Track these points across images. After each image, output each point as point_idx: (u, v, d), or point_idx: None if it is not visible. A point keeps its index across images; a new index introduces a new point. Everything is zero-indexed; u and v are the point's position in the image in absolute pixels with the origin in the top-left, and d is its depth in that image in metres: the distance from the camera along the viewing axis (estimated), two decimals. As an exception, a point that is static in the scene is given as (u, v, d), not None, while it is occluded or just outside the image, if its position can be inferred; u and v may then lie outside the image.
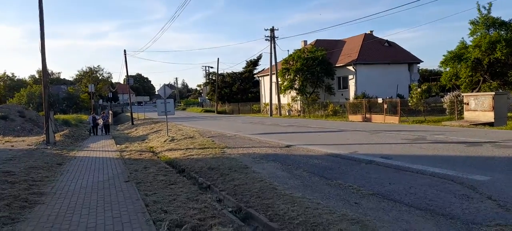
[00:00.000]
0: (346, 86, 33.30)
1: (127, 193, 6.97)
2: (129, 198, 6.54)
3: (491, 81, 23.51)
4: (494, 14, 25.49)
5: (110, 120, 31.19)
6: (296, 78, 33.50)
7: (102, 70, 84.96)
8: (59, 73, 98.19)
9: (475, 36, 23.40)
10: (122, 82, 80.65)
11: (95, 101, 63.35)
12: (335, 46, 37.27)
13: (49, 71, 76.09)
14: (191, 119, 35.88)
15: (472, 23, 23.61)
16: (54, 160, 11.49)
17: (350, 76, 32.55)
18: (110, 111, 37.60)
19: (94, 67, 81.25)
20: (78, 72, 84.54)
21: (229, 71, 67.55)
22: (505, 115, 17.48)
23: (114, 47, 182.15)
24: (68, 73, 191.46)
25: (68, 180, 8.50)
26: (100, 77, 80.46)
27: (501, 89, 22.42)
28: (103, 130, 27.30)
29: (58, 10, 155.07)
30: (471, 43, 23.39)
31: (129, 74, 39.69)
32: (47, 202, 6.44)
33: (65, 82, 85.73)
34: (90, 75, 76.30)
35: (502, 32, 22.67)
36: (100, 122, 28.32)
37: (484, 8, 23.00)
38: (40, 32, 16.51)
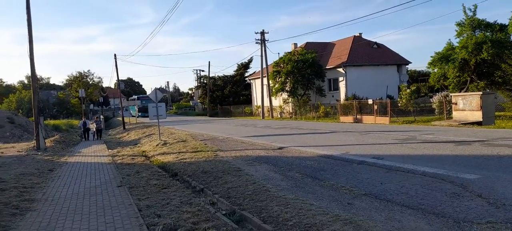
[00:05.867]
0: (336, 88, 33.55)
1: (119, 198, 6.93)
2: (122, 203, 6.50)
3: (478, 81, 23.91)
4: (479, 16, 25.98)
5: (102, 125, 30.95)
6: (287, 80, 33.64)
7: (92, 74, 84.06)
8: (48, 78, 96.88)
9: (461, 38, 23.80)
10: (113, 86, 80.00)
11: (86, 106, 62.65)
12: (325, 48, 37.58)
13: (39, 77, 74.78)
14: (183, 122, 35.73)
15: (458, 24, 24.02)
16: (45, 166, 11.36)
17: (340, 78, 32.81)
18: (102, 116, 37.24)
19: (84, 72, 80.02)
20: (68, 77, 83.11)
21: (221, 74, 67.63)
22: (492, 114, 17.81)
23: (104, 52, 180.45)
24: (58, 78, 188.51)
25: (59, 186, 8.42)
26: (90, 82, 79.43)
27: (488, 89, 22.84)
28: (95, 135, 27.13)
29: (45, 14, 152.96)
30: (458, 45, 23.78)
31: (119, 78, 39.43)
32: (39, 209, 6.37)
33: (55, 87, 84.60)
34: (80, 80, 75.38)
35: (488, 33, 23.09)
36: (93, 126, 28.05)
37: (470, 10, 23.47)
38: (28, 36, 16.28)
